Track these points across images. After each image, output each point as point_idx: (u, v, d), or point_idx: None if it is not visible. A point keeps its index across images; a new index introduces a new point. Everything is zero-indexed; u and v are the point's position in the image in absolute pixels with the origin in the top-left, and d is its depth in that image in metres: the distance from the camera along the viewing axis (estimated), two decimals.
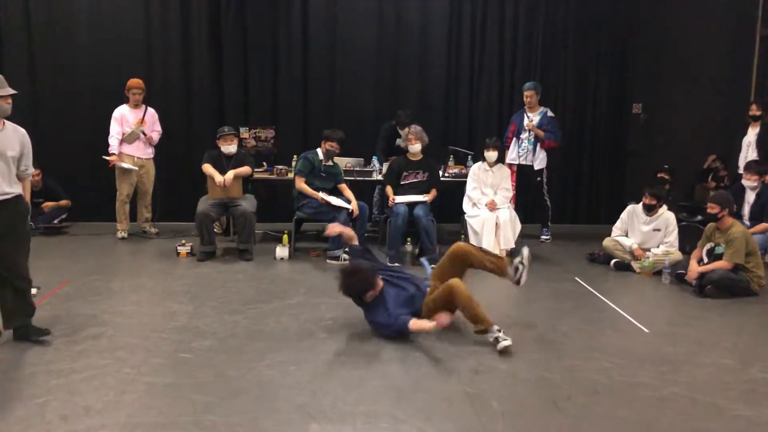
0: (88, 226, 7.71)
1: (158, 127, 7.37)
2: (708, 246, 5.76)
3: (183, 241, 6.55)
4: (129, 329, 4.39)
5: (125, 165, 7.07)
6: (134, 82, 7.13)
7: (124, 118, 7.10)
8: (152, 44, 8.01)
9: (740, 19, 8.48)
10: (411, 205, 6.45)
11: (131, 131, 7.07)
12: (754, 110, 7.18)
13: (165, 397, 3.38)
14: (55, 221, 7.40)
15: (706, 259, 5.73)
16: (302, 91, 8.35)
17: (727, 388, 3.69)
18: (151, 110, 7.29)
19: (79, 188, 7.74)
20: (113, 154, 7.02)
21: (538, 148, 7.45)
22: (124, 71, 7.49)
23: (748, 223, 6.48)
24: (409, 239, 6.70)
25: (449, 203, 7.84)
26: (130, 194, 7.23)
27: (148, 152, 7.30)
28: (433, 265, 5.01)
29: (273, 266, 6.24)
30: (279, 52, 8.25)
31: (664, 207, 6.36)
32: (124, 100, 7.16)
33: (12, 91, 3.90)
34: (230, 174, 6.39)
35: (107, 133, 7.05)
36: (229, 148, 6.55)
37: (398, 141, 7.41)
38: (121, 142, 7.09)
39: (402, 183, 6.70)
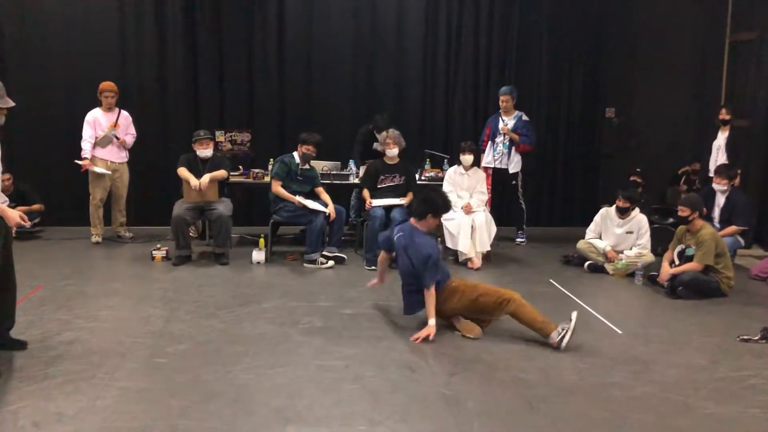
0: (62, 231, 7.62)
1: (132, 130, 7.30)
2: (679, 248, 5.85)
3: (158, 245, 6.50)
4: (103, 334, 4.35)
5: (97, 169, 7.00)
6: (106, 84, 7.06)
7: (96, 121, 7.03)
8: (126, 47, 7.94)
9: (710, 25, 8.64)
10: (388, 209, 6.48)
11: (104, 135, 7.01)
12: (724, 114, 7.31)
13: (140, 402, 3.36)
14: (28, 226, 7.29)
15: (677, 261, 5.82)
16: (278, 94, 8.33)
17: (698, 386, 3.76)
18: (124, 113, 7.22)
19: (52, 192, 7.65)
20: (85, 158, 6.95)
21: (512, 151, 7.51)
22: (97, 74, 7.41)
23: (718, 225, 6.59)
24: None
25: None
26: (103, 198, 7.15)
27: (122, 156, 7.23)
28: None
29: (249, 270, 6.22)
30: (255, 55, 8.23)
31: (637, 210, 6.46)
32: (97, 103, 7.09)
33: (12, 104, 3.80)
34: (206, 177, 6.36)
35: (81, 136, 6.98)
36: (205, 152, 6.52)
37: (375, 145, 7.42)
38: (95, 145, 7.02)
39: (379, 186, 6.72)
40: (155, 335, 4.34)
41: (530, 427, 3.22)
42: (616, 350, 4.30)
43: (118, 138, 7.09)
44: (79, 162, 6.95)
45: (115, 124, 7.08)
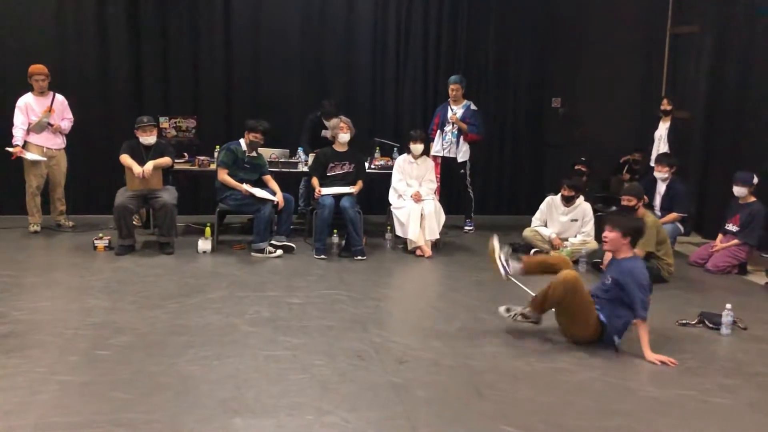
0: None
1: (69, 115, 7.04)
2: None
3: (100, 235, 6.31)
4: (42, 327, 4.20)
5: (30, 156, 6.73)
6: (36, 68, 6.79)
7: (29, 106, 6.76)
8: (65, 28, 7.63)
9: (652, 18, 8.84)
10: (337, 197, 6.44)
11: (38, 120, 6.75)
12: (666, 105, 7.50)
13: (80, 395, 3.26)
14: None
15: None
16: (225, 79, 8.16)
17: (639, 370, 3.87)
18: (59, 97, 6.96)
19: None
20: (16, 145, 6.68)
21: (461, 140, 7.56)
22: (33, 57, 7.09)
23: (659, 213, 6.77)
24: (335, 231, 6.68)
25: (375, 195, 7.87)
26: (40, 186, 6.90)
27: (58, 142, 6.96)
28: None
29: (195, 260, 6.10)
30: (200, 38, 8.03)
31: (581, 198, 6.58)
32: (29, 88, 6.83)
33: None
34: (149, 165, 6.20)
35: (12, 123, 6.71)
36: (148, 139, 6.35)
37: (324, 132, 7.36)
38: (29, 131, 6.76)
39: (328, 174, 6.67)
40: (97, 327, 4.22)
41: (478, 413, 3.26)
42: (561, 336, 4.38)
43: (51, 124, 6.83)
44: (10, 149, 6.69)
45: (50, 109, 6.83)
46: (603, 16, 8.77)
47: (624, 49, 8.88)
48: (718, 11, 7.77)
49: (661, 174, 6.81)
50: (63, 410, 3.11)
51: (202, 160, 7.02)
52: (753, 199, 6.32)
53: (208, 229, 6.43)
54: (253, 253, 6.27)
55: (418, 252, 6.51)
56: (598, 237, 6.51)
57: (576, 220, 6.52)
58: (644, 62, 9.04)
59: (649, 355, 4.01)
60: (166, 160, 6.38)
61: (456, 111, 7.56)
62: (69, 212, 7.23)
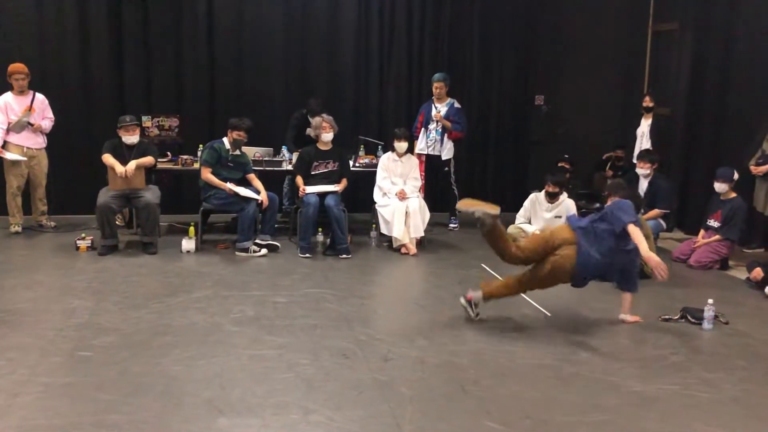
0: None
1: (50, 114, 6.97)
2: None
3: (83, 235, 6.26)
4: (23, 328, 4.16)
5: (9, 155, 6.66)
6: (16, 66, 6.72)
7: (8, 106, 6.68)
8: (46, 26, 7.54)
9: (634, 15, 8.91)
10: (322, 195, 6.43)
11: (17, 120, 6.67)
12: (648, 102, 7.57)
13: (63, 397, 3.24)
14: None
15: None
16: (208, 77, 8.10)
17: (623, 366, 3.90)
18: (39, 96, 6.88)
19: None
20: None
21: (445, 138, 7.58)
22: (14, 56, 7.03)
23: (642, 209, 6.82)
24: (320, 229, 6.67)
25: (360, 193, 7.86)
26: (21, 186, 6.82)
27: (39, 141, 6.89)
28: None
29: (179, 259, 6.07)
30: (183, 36, 7.96)
31: (565, 194, 6.61)
32: (9, 87, 6.75)
33: None
34: (132, 164, 6.15)
35: None
36: (131, 138, 6.30)
37: (308, 130, 7.34)
38: (8, 131, 6.69)
39: (313, 173, 6.65)
40: (80, 327, 4.19)
41: (463, 409, 3.27)
42: (546, 333, 4.41)
43: (32, 124, 6.75)
44: None
45: (30, 108, 6.75)
46: (585, 14, 8.81)
47: (606, 46, 8.95)
48: (699, 9, 7.84)
49: (643, 171, 6.86)
50: (46, 412, 3.08)
51: (186, 159, 6.98)
52: (734, 194, 6.38)
53: (191, 229, 6.39)
54: (237, 252, 6.25)
55: (403, 250, 6.51)
56: None
57: (560, 217, 6.54)
58: (626, 59, 9.11)
59: (649, 256, 4.26)
60: (148, 160, 6.34)
61: (440, 109, 7.57)
62: (50, 212, 7.15)
